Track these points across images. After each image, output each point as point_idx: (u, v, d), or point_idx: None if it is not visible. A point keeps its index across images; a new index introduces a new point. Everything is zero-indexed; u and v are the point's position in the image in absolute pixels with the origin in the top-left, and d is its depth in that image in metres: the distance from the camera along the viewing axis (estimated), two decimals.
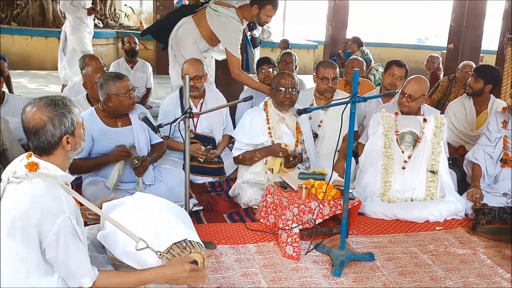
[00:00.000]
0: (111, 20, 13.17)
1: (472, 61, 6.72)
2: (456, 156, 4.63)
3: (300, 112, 3.39)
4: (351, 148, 3.02)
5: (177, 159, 4.46)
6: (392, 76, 4.82)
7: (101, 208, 2.59)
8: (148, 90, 7.05)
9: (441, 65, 8.13)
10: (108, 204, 2.69)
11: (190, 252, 2.43)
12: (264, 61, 5.27)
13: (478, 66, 4.90)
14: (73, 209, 2.10)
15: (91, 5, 7.90)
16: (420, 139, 4.02)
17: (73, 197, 2.17)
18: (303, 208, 3.28)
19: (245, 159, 4.01)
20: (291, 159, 3.89)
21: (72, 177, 2.26)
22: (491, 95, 4.84)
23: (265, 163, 3.96)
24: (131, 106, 3.66)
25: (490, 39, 8.32)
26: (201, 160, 4.38)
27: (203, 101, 4.50)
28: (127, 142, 3.69)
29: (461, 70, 6.27)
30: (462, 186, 4.26)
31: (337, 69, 4.22)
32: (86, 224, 2.74)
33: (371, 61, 9.06)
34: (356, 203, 3.43)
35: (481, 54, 7.86)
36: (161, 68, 9.56)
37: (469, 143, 4.78)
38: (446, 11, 8.44)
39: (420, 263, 3.19)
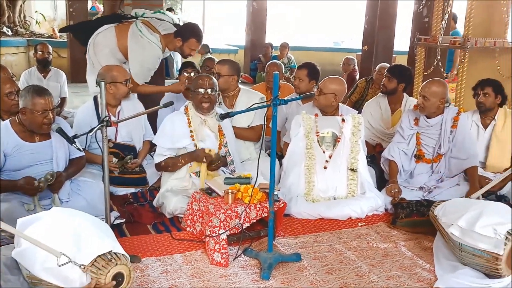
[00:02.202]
0: (21, 27, 12.50)
1: (385, 61, 7.04)
2: (374, 154, 4.79)
3: (223, 117, 3.36)
4: (274, 150, 3.03)
5: (95, 171, 4.27)
6: (295, 79, 4.97)
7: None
8: (63, 100, 6.74)
9: (356, 67, 8.44)
10: (23, 220, 2.54)
11: (116, 264, 2.34)
12: (187, 65, 5.19)
13: (391, 66, 5.13)
14: None
15: None
16: (340, 138, 4.12)
17: None
18: (230, 213, 3.25)
19: (168, 165, 3.92)
20: (214, 165, 3.86)
21: None
22: (405, 94, 5.06)
23: (190, 167, 3.91)
24: (44, 127, 3.40)
25: (402, 40, 8.78)
26: (116, 172, 4.22)
27: (120, 109, 4.35)
28: (45, 158, 3.50)
29: (377, 72, 6.54)
30: (381, 182, 4.41)
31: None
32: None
33: (295, 67, 9.26)
34: (282, 204, 3.46)
35: (393, 55, 8.24)
36: (75, 76, 9.22)
37: (386, 140, 4.97)
38: (361, 14, 8.79)
39: (345, 260, 3.26)
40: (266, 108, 4.32)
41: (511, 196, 3.89)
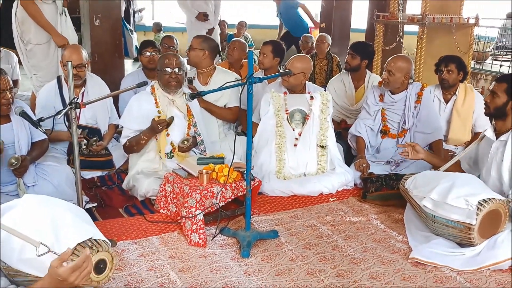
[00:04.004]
0: None
1: (342, 39, 7.13)
2: (340, 130, 4.87)
3: (193, 96, 3.30)
4: (250, 129, 3.01)
5: (59, 155, 4.14)
6: (260, 54, 4.96)
7: None
8: (15, 82, 6.43)
9: (314, 45, 8.49)
10: None
11: (98, 251, 2.27)
12: (148, 44, 5.03)
13: (353, 43, 5.16)
14: None
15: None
16: (309, 116, 4.15)
17: None
18: (206, 193, 3.23)
19: (132, 144, 3.82)
20: (185, 147, 3.80)
21: None
22: (367, 70, 5.14)
23: (159, 152, 3.83)
24: (3, 108, 3.25)
25: (358, 18, 8.91)
26: (84, 151, 4.10)
27: (84, 90, 4.21)
28: (6, 142, 3.33)
29: (317, 41, 6.83)
30: (348, 158, 4.48)
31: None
32: None
33: (253, 46, 9.23)
34: (257, 183, 3.47)
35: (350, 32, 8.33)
36: None
37: (350, 117, 5.05)
38: None
39: (321, 235, 3.31)
40: (240, 89, 4.32)
41: None
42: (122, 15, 10.23)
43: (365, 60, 4.97)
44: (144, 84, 3.24)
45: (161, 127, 3.69)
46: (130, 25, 11.11)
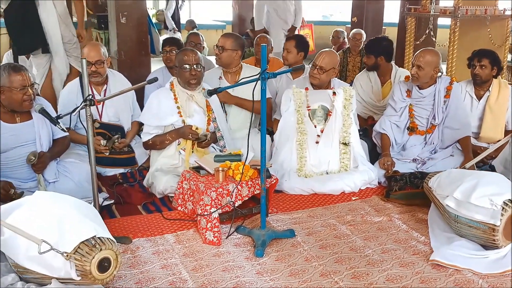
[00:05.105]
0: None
1: (375, 33, 6.93)
2: (366, 127, 4.73)
3: (211, 93, 3.25)
4: (264, 125, 2.95)
5: (82, 152, 4.17)
6: (284, 51, 4.87)
7: None
8: None
9: (346, 39, 8.32)
10: (5, 206, 2.45)
11: (101, 250, 2.26)
12: (168, 41, 5.03)
13: (367, 43, 5.00)
14: None
15: None
16: (331, 112, 4.05)
17: None
18: (221, 191, 3.18)
19: (156, 143, 3.85)
20: (203, 142, 3.80)
21: None
22: (394, 65, 4.97)
23: (178, 144, 3.84)
24: (25, 103, 3.30)
25: (391, 11, 8.68)
26: (106, 153, 4.14)
27: (106, 88, 4.24)
28: (27, 139, 3.40)
29: (352, 39, 6.61)
30: (373, 155, 4.34)
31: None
32: None
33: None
34: (274, 181, 3.39)
35: (383, 27, 8.13)
36: None
37: (377, 113, 4.90)
38: None
39: (339, 235, 3.21)
40: (272, 82, 4.25)
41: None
42: (170, 15, 10.43)
43: (381, 56, 4.79)
44: (154, 80, 3.23)
45: (191, 137, 3.75)
46: (179, 25, 11.28)
